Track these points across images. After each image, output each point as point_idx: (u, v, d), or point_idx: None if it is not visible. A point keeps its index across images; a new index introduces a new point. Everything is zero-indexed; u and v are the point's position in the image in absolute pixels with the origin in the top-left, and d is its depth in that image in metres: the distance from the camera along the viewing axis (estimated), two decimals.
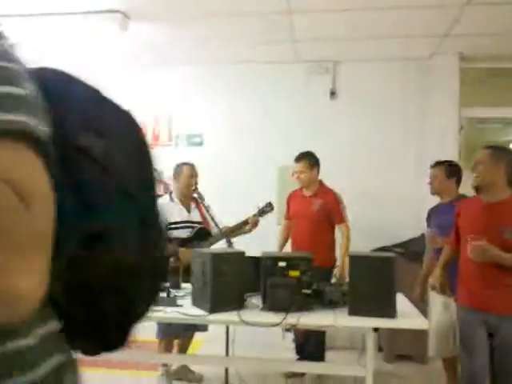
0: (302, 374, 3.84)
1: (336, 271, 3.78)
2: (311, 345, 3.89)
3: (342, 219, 3.90)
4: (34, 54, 0.64)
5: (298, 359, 3.90)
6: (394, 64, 4.78)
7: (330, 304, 2.45)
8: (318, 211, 3.87)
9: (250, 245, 2.99)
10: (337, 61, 4.86)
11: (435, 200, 4.55)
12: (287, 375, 3.80)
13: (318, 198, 3.92)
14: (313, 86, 4.89)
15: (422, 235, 4.49)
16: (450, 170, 3.39)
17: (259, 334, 4.44)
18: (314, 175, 3.95)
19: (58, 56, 4.86)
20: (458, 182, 3.39)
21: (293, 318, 2.26)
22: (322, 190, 3.97)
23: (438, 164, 3.48)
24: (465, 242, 2.55)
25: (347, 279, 2.64)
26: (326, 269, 3.72)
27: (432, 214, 3.54)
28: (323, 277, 3.41)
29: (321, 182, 4.03)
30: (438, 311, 3.24)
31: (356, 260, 2.34)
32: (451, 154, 4.56)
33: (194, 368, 3.82)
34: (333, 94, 4.85)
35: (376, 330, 2.39)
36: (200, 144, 5.05)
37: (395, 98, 4.81)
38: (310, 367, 3.15)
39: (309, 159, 3.93)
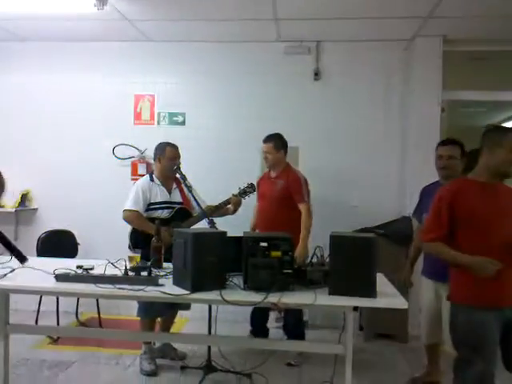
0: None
1: (296, 253, 3.41)
2: (290, 323, 3.97)
3: (300, 199, 3.82)
4: None
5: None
6: (377, 45, 4.75)
7: (311, 284, 2.47)
8: (278, 191, 3.89)
9: (234, 226, 3.00)
10: (319, 41, 4.82)
11: (417, 182, 4.60)
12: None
13: (280, 178, 3.94)
14: (296, 66, 4.85)
15: (403, 217, 4.56)
16: (462, 151, 3.15)
17: (241, 313, 4.52)
18: (279, 157, 3.96)
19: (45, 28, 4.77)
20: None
21: (274, 298, 2.28)
22: (286, 172, 3.96)
23: (454, 143, 3.17)
24: (484, 232, 2.32)
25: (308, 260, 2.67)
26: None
27: (425, 195, 3.35)
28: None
29: (288, 165, 4.03)
30: (429, 297, 3.21)
31: (337, 240, 2.35)
32: (433, 136, 4.59)
33: (177, 346, 3.85)
34: (316, 74, 4.82)
35: (356, 309, 2.41)
36: (182, 123, 5.00)
37: (378, 80, 4.80)
38: (291, 345, 3.19)
39: (275, 141, 3.94)
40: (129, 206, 3.56)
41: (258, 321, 4.18)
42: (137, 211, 3.55)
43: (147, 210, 3.60)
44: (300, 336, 3.92)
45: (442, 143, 3.30)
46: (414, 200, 4.65)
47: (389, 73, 4.80)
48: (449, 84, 4.64)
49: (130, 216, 3.55)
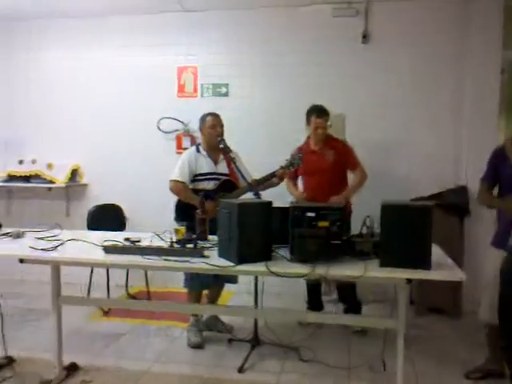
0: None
1: (332, 199, 3.61)
2: (346, 296, 3.94)
3: (357, 163, 3.84)
4: None
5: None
6: (431, 3, 4.45)
7: (361, 255, 2.36)
8: (331, 162, 3.79)
9: (278, 197, 2.92)
10: (369, 0, 4.55)
11: (474, 153, 4.33)
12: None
13: (328, 149, 3.82)
14: (343, 29, 4.63)
15: (459, 187, 4.33)
16: None
17: (287, 285, 4.47)
18: (327, 130, 3.87)
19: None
20: None
21: (321, 269, 2.19)
22: (330, 141, 3.86)
23: None
24: None
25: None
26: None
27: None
28: None
29: (328, 134, 3.90)
30: (496, 268, 2.78)
31: (388, 209, 2.21)
32: (492, 101, 4.30)
33: (224, 319, 3.86)
34: (364, 37, 4.57)
35: (409, 281, 2.28)
36: (226, 94, 4.91)
37: (430, 42, 4.49)
38: (342, 319, 3.11)
39: (327, 115, 3.83)
40: (175, 176, 3.55)
41: (314, 294, 4.11)
42: (183, 182, 3.53)
43: (193, 180, 3.58)
44: (357, 307, 3.90)
45: None
46: (472, 170, 4.41)
47: (442, 33, 4.48)
48: (509, 43, 4.28)
49: (176, 187, 3.54)
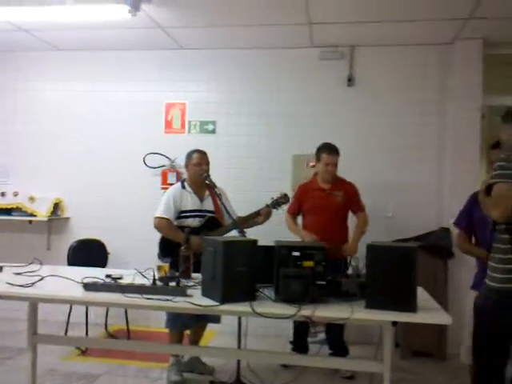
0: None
1: (345, 246, 3.72)
2: (332, 338, 3.90)
3: (361, 207, 3.92)
4: None
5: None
6: (414, 49, 4.62)
7: (346, 296, 2.33)
8: (339, 203, 3.81)
9: (264, 235, 2.90)
10: (354, 45, 4.70)
11: (456, 191, 4.39)
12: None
13: (337, 190, 3.83)
14: (329, 71, 4.75)
15: (441, 228, 4.36)
16: None
17: (272, 326, 4.40)
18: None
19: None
20: None
21: (307, 310, 2.15)
22: (340, 182, 3.90)
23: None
24: None
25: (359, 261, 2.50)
26: (344, 260, 3.68)
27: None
28: (341, 268, 3.38)
29: (336, 175, 3.94)
30: None
31: (375, 250, 2.20)
32: (473, 143, 4.40)
33: (206, 360, 3.75)
34: (350, 80, 4.70)
35: (395, 324, 2.26)
36: (213, 131, 4.95)
37: (414, 86, 4.64)
38: (325, 362, 3.04)
39: (338, 155, 3.86)
40: (160, 213, 3.52)
41: (301, 335, 4.05)
42: (167, 219, 3.50)
43: (178, 217, 3.55)
44: (344, 351, 3.85)
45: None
46: (454, 212, 4.44)
47: (425, 78, 4.63)
48: (489, 89, 4.44)
49: (161, 224, 3.50)
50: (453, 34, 4.35)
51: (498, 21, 4.02)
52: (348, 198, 3.84)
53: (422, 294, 2.46)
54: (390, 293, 2.13)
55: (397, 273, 2.12)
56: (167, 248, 3.44)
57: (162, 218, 3.50)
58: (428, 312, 2.16)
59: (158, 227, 3.52)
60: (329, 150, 3.80)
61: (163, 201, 3.58)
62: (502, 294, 2.22)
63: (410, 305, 2.11)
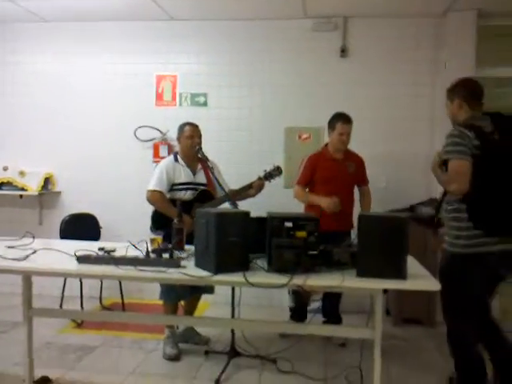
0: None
1: None
2: (328, 306, 3.97)
3: (367, 181, 3.99)
4: None
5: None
6: (407, 20, 4.57)
7: (338, 265, 2.36)
8: (351, 175, 3.82)
9: (256, 208, 2.90)
10: (347, 16, 4.63)
11: None
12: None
13: (350, 161, 3.83)
14: (322, 43, 4.69)
15: (431, 199, 4.40)
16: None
17: (265, 297, 4.46)
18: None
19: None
20: None
21: (299, 280, 2.18)
22: (351, 153, 3.90)
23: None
24: None
25: None
26: (348, 232, 3.77)
27: None
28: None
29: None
30: None
31: (366, 220, 2.23)
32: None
33: (200, 330, 3.81)
34: (343, 51, 4.65)
35: (386, 291, 2.30)
36: (205, 104, 4.90)
37: (408, 58, 4.61)
38: (317, 330, 3.09)
39: (352, 124, 3.82)
40: (152, 186, 3.51)
41: (301, 304, 4.09)
42: (160, 192, 3.49)
43: (170, 190, 3.54)
44: (338, 319, 3.93)
45: None
46: None
47: (418, 50, 4.59)
48: (483, 61, 4.42)
49: (153, 196, 3.49)
50: (446, 5, 4.29)
51: None
52: (358, 169, 3.86)
53: (412, 262, 2.50)
54: (380, 261, 2.16)
55: (387, 242, 2.15)
56: (160, 221, 3.45)
57: (155, 190, 3.49)
58: (418, 279, 2.20)
59: (150, 200, 3.51)
60: (343, 119, 3.76)
61: (156, 174, 3.56)
62: (467, 257, 2.55)
63: (400, 272, 2.15)
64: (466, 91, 2.79)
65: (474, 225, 2.53)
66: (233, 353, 3.37)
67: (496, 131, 2.61)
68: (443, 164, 2.66)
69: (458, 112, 2.82)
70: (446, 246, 2.68)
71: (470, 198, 2.53)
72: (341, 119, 3.76)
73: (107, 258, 2.54)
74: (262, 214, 2.52)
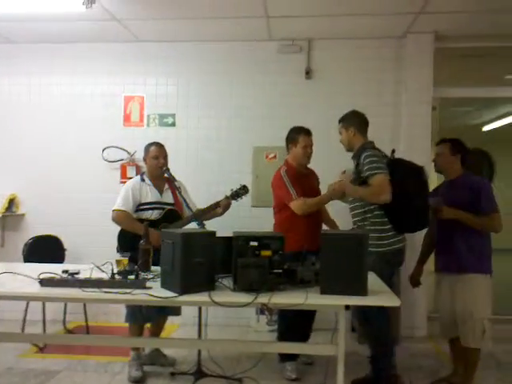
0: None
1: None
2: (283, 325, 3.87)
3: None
4: None
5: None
6: (370, 42, 4.73)
7: (302, 283, 2.40)
8: (317, 186, 3.81)
9: (224, 227, 2.93)
10: (311, 38, 4.78)
11: None
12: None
13: (312, 175, 3.83)
14: (287, 64, 4.81)
15: None
16: (454, 148, 3.27)
17: (233, 317, 4.45)
18: None
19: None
20: (463, 159, 3.27)
21: (264, 298, 2.21)
22: (308, 168, 3.82)
23: (443, 141, 3.36)
24: None
25: None
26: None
27: (437, 193, 3.36)
28: None
29: None
30: (446, 294, 3.27)
31: (327, 239, 2.29)
32: (424, 135, 4.57)
33: (167, 352, 3.77)
34: (308, 73, 4.78)
35: (348, 308, 2.36)
36: (173, 124, 4.93)
37: (370, 77, 4.75)
38: (283, 347, 3.11)
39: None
40: (118, 205, 3.48)
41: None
42: (125, 211, 3.47)
43: (137, 210, 3.52)
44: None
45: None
46: None
47: (381, 71, 4.75)
48: (440, 81, 4.62)
49: (119, 216, 3.47)
50: (405, 28, 4.48)
51: (448, 15, 4.17)
52: (318, 183, 3.84)
53: (373, 278, 2.57)
54: (342, 278, 2.22)
55: (348, 259, 2.22)
56: (126, 242, 3.42)
57: (120, 210, 3.47)
58: (378, 295, 2.27)
59: (116, 220, 3.49)
60: (306, 131, 3.68)
61: (121, 193, 3.54)
62: (390, 253, 3.12)
63: (360, 289, 2.21)
64: (359, 121, 3.39)
65: (393, 226, 3.12)
66: (199, 373, 3.34)
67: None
68: (362, 182, 3.13)
69: (353, 138, 3.35)
70: (370, 249, 2.72)
71: (387, 206, 3.06)
72: (303, 132, 3.65)
73: (71, 281, 2.51)
74: (230, 233, 2.55)
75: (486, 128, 5.83)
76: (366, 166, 3.08)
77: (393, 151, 3.44)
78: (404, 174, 3.14)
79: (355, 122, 3.36)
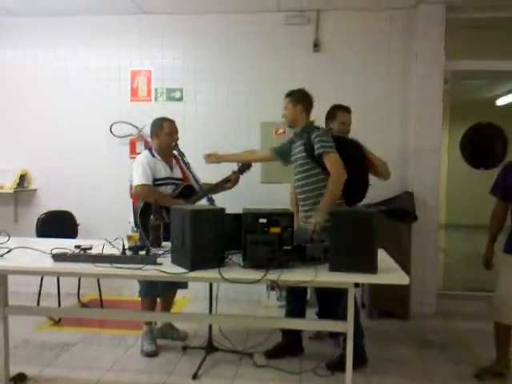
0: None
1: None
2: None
3: None
4: None
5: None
6: (380, 13, 4.61)
7: (311, 260, 2.42)
8: None
9: (233, 204, 2.94)
10: (319, 10, 4.67)
11: (420, 157, 4.52)
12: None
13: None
14: (295, 36, 4.72)
15: (405, 193, 4.49)
16: None
17: (242, 292, 4.51)
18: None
19: None
20: None
21: (273, 275, 2.23)
22: None
23: None
24: None
25: None
26: None
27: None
28: None
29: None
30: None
31: (337, 216, 2.29)
32: (436, 108, 4.49)
33: (178, 326, 3.84)
34: (316, 45, 4.69)
35: (357, 285, 2.37)
36: (180, 99, 4.90)
37: (379, 51, 4.66)
38: (292, 324, 3.15)
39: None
40: (139, 181, 3.39)
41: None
42: (150, 185, 3.41)
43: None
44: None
45: None
46: (417, 175, 4.58)
47: (390, 43, 4.65)
48: (452, 54, 4.52)
49: (144, 190, 3.38)
50: None
51: None
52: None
53: (383, 256, 2.58)
54: (351, 256, 2.23)
55: (358, 237, 2.22)
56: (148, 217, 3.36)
57: (144, 184, 3.39)
58: (388, 273, 2.27)
59: (140, 195, 3.39)
60: (345, 108, 3.67)
61: (139, 168, 3.44)
62: None
63: (370, 266, 2.22)
64: (308, 102, 3.33)
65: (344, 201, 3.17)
66: (210, 348, 3.41)
67: None
68: (314, 158, 3.12)
69: (299, 116, 3.30)
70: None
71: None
72: (342, 108, 3.66)
73: (83, 256, 2.55)
74: (240, 210, 2.55)
75: (499, 102, 5.71)
76: (318, 143, 3.08)
77: (329, 129, 3.50)
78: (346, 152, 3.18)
79: (304, 100, 3.32)
